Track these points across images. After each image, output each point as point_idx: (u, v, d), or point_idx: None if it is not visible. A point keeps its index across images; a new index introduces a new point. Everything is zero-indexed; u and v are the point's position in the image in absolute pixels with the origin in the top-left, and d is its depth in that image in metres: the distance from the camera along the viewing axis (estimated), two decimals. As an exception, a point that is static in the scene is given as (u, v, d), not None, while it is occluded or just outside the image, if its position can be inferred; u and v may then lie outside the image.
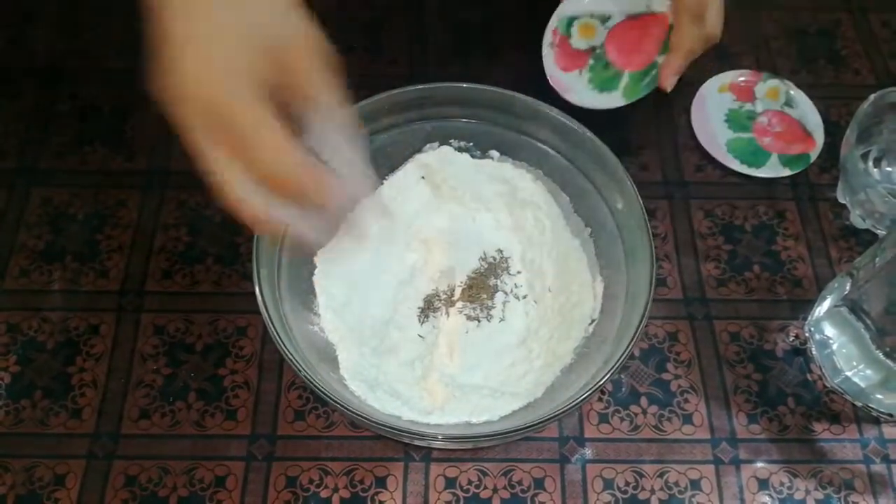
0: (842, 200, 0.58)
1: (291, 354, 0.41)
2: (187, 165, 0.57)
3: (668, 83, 0.53)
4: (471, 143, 0.53)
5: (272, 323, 0.42)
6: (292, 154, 0.34)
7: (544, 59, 0.56)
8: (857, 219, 0.57)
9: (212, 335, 0.51)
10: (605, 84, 0.56)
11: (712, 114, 0.61)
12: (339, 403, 0.40)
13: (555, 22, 0.56)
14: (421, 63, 0.64)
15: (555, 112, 0.50)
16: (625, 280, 0.47)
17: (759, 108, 0.62)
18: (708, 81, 0.63)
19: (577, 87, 0.55)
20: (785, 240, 0.57)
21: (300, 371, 0.41)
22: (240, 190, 0.35)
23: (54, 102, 0.61)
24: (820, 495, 0.47)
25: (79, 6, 0.66)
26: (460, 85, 0.50)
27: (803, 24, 0.68)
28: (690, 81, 0.57)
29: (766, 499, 0.47)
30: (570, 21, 0.56)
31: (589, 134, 0.49)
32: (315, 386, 0.40)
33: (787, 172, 0.59)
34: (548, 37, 0.56)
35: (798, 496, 0.47)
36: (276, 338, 0.42)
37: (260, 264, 0.44)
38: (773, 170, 0.59)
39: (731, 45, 0.66)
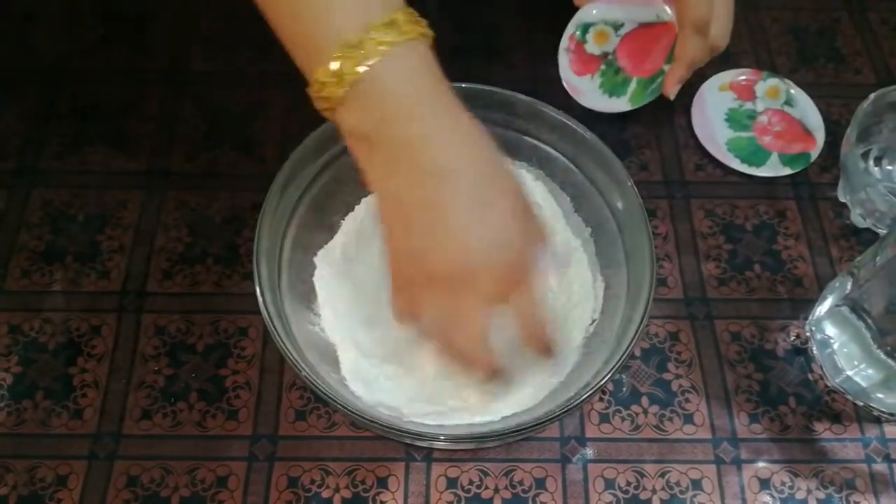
0: (842, 199, 0.58)
1: (292, 355, 0.41)
2: (187, 166, 0.58)
3: (671, 92, 0.56)
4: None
5: (273, 323, 0.42)
6: (483, 360, 0.39)
7: (560, 63, 0.59)
8: (857, 218, 0.57)
9: (213, 336, 0.51)
10: (614, 89, 0.59)
11: (712, 113, 0.61)
12: (339, 404, 0.40)
13: (572, 28, 0.59)
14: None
15: (555, 112, 0.50)
16: (625, 280, 0.47)
17: (759, 107, 0.62)
18: (708, 80, 0.63)
19: (588, 91, 0.59)
20: (786, 239, 0.57)
21: (300, 371, 0.41)
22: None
23: (54, 102, 0.61)
24: (821, 495, 0.47)
25: (79, 6, 0.66)
26: (459, 85, 0.49)
27: (803, 22, 0.68)
28: (690, 81, 0.57)
29: (768, 498, 0.47)
30: (587, 27, 0.59)
31: (590, 134, 0.49)
32: (315, 387, 0.40)
33: (787, 171, 0.59)
34: (564, 41, 0.59)
35: (799, 496, 0.47)
36: (276, 338, 0.42)
37: (260, 265, 0.44)
38: (773, 169, 0.59)
39: (731, 44, 0.66)
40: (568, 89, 0.59)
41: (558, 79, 0.60)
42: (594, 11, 0.58)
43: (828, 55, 0.66)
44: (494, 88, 0.50)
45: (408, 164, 0.36)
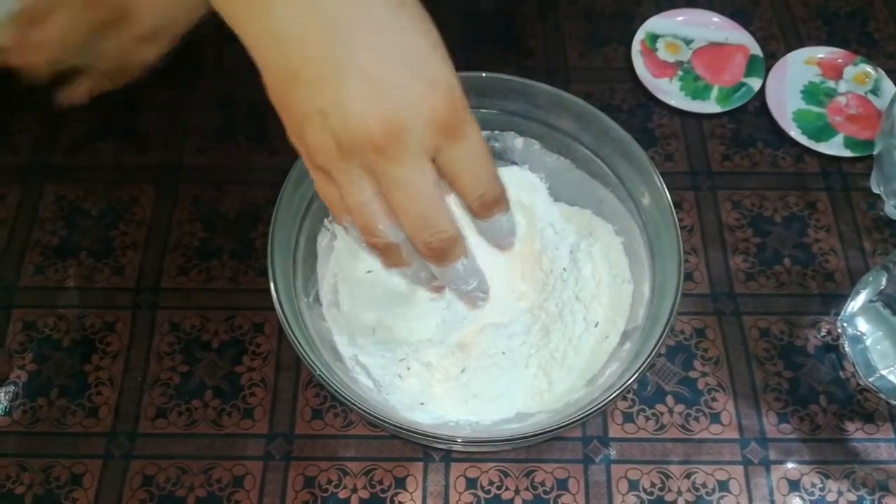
0: (875, 190, 0.56)
1: (307, 353, 0.40)
2: (201, 160, 0.57)
3: None
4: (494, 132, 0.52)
5: (287, 321, 0.41)
6: (448, 222, 0.31)
7: (634, 63, 0.62)
8: (891, 209, 0.55)
9: (228, 332, 0.51)
10: (696, 93, 0.61)
11: (790, 82, 0.61)
12: (354, 404, 0.39)
13: (641, 34, 0.63)
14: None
15: (578, 101, 0.48)
16: (650, 275, 0.45)
17: (841, 88, 0.61)
18: (796, 51, 0.62)
19: (670, 92, 0.61)
20: (816, 231, 0.55)
21: (315, 371, 0.40)
22: (380, 224, 0.31)
23: (67, 96, 0.60)
24: (853, 497, 0.46)
25: None
26: (479, 74, 0.49)
27: (834, 5, 0.66)
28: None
29: (798, 500, 0.45)
30: (655, 38, 0.63)
31: (613, 124, 0.47)
32: (330, 385, 0.39)
33: (848, 154, 0.58)
34: (636, 45, 0.63)
35: (830, 498, 0.46)
36: (291, 336, 0.41)
37: (275, 260, 0.43)
38: (834, 148, 0.58)
39: (760, 27, 0.64)
40: (648, 88, 0.61)
41: (577, 67, 0.59)
42: (661, 24, 0.63)
43: (859, 39, 0.64)
44: (514, 77, 0.49)
45: None
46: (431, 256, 0.32)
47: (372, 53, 0.28)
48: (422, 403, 0.45)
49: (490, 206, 0.32)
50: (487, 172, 0.32)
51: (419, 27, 0.30)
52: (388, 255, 0.32)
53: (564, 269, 0.49)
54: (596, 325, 0.46)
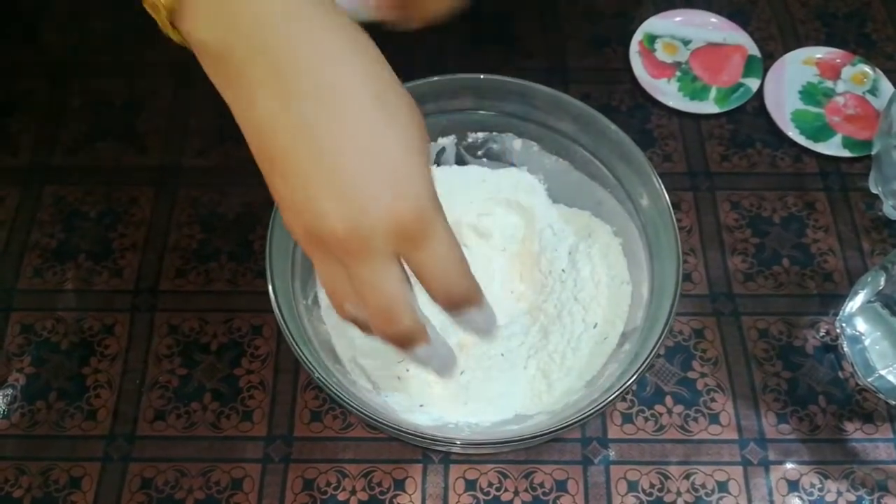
0: (874, 190, 0.56)
1: (305, 355, 0.40)
2: (200, 161, 0.57)
3: None
4: (491, 134, 0.52)
5: (285, 323, 0.41)
6: (407, 318, 0.31)
7: (632, 63, 0.62)
8: (890, 209, 0.55)
9: (227, 335, 0.50)
10: (694, 94, 0.60)
11: (788, 82, 0.61)
12: (353, 406, 0.39)
13: (639, 35, 0.63)
14: (437, 54, 0.62)
15: (576, 102, 0.48)
16: (649, 276, 0.46)
17: (839, 88, 0.61)
18: (794, 52, 0.62)
19: (668, 92, 0.60)
20: (815, 232, 0.55)
21: (314, 373, 0.40)
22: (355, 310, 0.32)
23: (66, 98, 0.60)
24: (852, 497, 0.46)
25: (89, 1, 0.65)
26: (477, 76, 0.49)
27: (832, 6, 0.66)
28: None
29: (797, 501, 0.45)
30: (653, 38, 0.63)
31: (612, 125, 0.47)
32: (329, 388, 0.39)
33: (846, 154, 0.58)
34: (634, 46, 0.63)
35: (829, 498, 0.46)
36: (289, 338, 0.41)
37: (273, 263, 0.43)
38: (832, 148, 0.58)
39: (758, 28, 0.64)
40: (647, 89, 0.60)
41: (575, 68, 0.59)
42: (659, 25, 0.63)
43: (857, 40, 0.64)
44: (512, 79, 0.49)
45: (275, 82, 0.28)
46: (392, 343, 0.33)
47: (341, 159, 0.29)
48: (421, 405, 0.45)
49: (458, 304, 0.32)
50: (455, 273, 0.32)
51: (397, 125, 0.30)
52: (358, 325, 0.33)
53: (563, 271, 0.49)
54: (595, 327, 0.47)
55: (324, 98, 0.29)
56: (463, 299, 0.32)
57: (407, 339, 0.32)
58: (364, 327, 0.33)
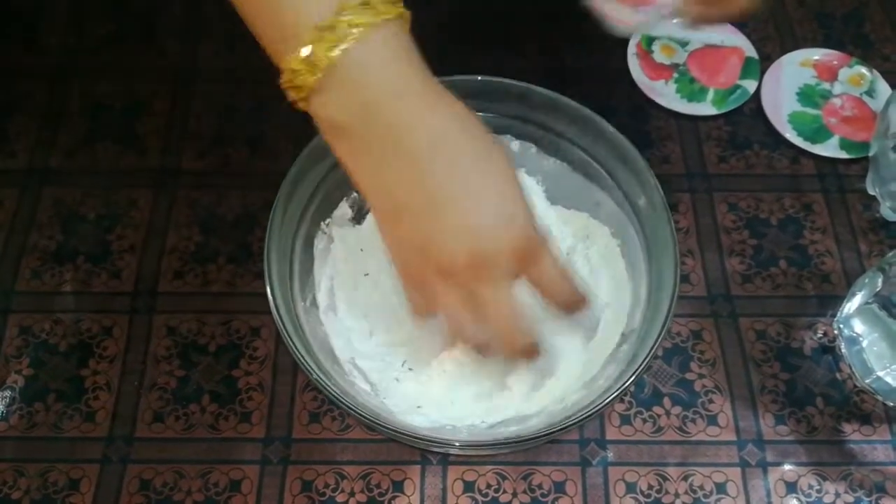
0: (871, 192, 0.56)
1: (303, 357, 0.40)
2: (199, 164, 0.57)
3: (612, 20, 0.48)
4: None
5: (284, 325, 0.41)
6: (528, 329, 0.38)
7: (630, 65, 0.62)
8: (887, 211, 0.55)
9: (225, 336, 0.50)
10: (692, 96, 0.61)
11: (785, 84, 0.61)
12: (352, 408, 0.39)
13: (637, 37, 0.63)
14: (435, 56, 0.62)
15: (574, 104, 0.48)
16: (647, 278, 0.46)
17: (836, 90, 0.61)
18: (791, 53, 0.62)
19: (665, 94, 0.61)
20: (812, 233, 0.55)
21: (312, 375, 0.40)
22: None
23: (64, 101, 0.60)
24: (850, 498, 0.46)
25: (89, 3, 0.65)
26: (475, 77, 0.49)
27: (829, 7, 0.66)
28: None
29: (795, 502, 0.46)
30: (651, 40, 0.63)
31: (609, 126, 0.47)
32: (328, 390, 0.39)
33: (843, 155, 0.58)
34: (632, 48, 0.63)
35: (827, 499, 0.46)
36: (287, 340, 0.41)
37: (272, 264, 0.43)
38: (829, 150, 0.58)
39: (754, 29, 0.64)
40: (644, 91, 0.61)
41: (572, 68, 0.59)
42: (658, 26, 0.63)
43: (854, 41, 0.64)
44: (510, 80, 0.49)
45: (395, 151, 0.34)
46: (516, 356, 0.39)
47: (462, 201, 0.35)
48: (419, 406, 0.45)
49: (571, 308, 0.39)
50: (565, 283, 0.38)
51: (497, 170, 0.36)
52: (478, 346, 0.39)
53: None
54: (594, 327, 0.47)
55: (438, 155, 0.34)
56: (574, 304, 0.39)
57: (530, 351, 0.38)
58: (484, 348, 0.38)
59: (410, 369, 0.46)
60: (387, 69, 0.34)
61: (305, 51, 0.33)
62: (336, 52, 0.32)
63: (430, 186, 0.34)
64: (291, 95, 0.35)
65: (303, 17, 0.33)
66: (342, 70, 0.33)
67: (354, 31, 0.32)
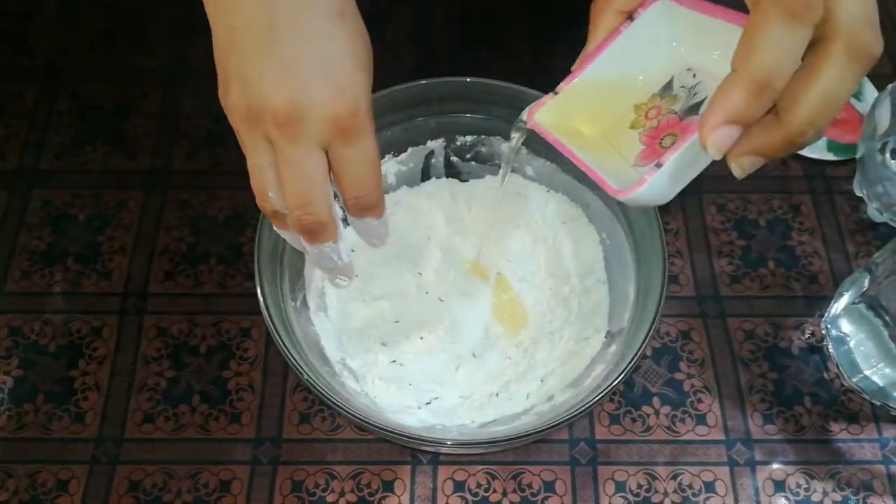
0: (858, 193, 0.56)
1: (294, 357, 0.40)
2: (189, 165, 0.57)
3: (712, 142, 0.30)
4: (479, 137, 0.52)
5: (274, 325, 0.41)
6: (323, 207, 0.35)
7: None
8: (874, 212, 0.55)
9: (215, 337, 0.50)
10: None
11: None
12: (342, 408, 0.40)
13: None
14: (426, 57, 0.63)
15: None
16: (635, 278, 0.46)
17: None
18: None
19: None
20: (800, 234, 0.55)
21: (302, 375, 0.40)
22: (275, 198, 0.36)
23: (54, 102, 0.60)
24: (838, 497, 0.46)
25: (78, 4, 0.65)
26: (464, 79, 0.49)
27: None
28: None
29: (783, 501, 0.46)
30: None
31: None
32: (318, 390, 0.40)
33: (831, 157, 0.58)
34: None
35: (815, 498, 0.46)
36: (277, 340, 0.41)
37: (262, 265, 0.43)
38: (817, 152, 0.58)
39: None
40: None
41: (564, 71, 0.59)
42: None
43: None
44: (500, 82, 0.49)
45: None
46: (302, 233, 0.36)
47: (297, 49, 0.33)
48: (409, 406, 0.45)
49: (362, 209, 0.37)
50: (369, 180, 0.35)
51: (350, 41, 0.34)
52: (275, 219, 0.37)
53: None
54: (579, 327, 0.47)
55: (295, 6, 0.33)
56: (368, 206, 0.36)
57: (319, 228, 0.35)
58: (280, 221, 0.36)
59: (402, 364, 0.46)
60: None
61: None
62: None
63: (276, 30, 0.33)
64: None
65: None
66: None
67: None
